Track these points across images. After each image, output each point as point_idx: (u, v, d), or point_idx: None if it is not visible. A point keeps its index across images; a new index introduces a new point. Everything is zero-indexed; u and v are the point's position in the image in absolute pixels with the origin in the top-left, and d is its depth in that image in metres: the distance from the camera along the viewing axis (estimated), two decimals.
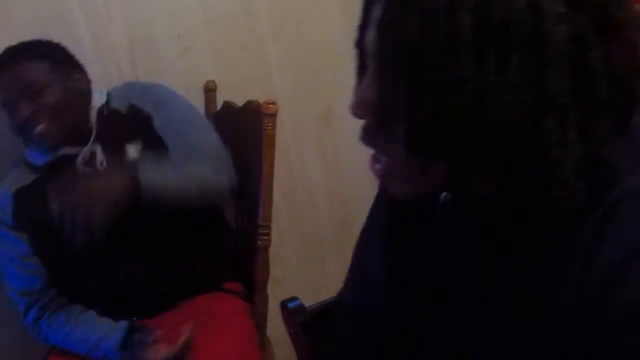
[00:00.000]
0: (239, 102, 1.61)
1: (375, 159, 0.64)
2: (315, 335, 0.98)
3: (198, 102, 1.73)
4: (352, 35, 0.63)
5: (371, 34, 0.57)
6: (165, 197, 1.28)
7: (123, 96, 1.46)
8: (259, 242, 1.47)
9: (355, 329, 0.83)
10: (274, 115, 1.40)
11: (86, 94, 1.43)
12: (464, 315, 0.68)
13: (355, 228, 2.36)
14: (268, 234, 1.47)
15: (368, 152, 0.66)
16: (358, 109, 0.60)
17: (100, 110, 1.43)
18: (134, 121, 1.43)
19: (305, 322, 0.97)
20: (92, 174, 1.36)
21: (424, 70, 0.53)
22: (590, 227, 0.55)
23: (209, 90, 1.73)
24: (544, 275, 0.59)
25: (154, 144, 1.40)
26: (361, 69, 0.62)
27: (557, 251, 0.57)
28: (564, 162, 0.53)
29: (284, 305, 1.00)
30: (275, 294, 1.59)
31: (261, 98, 1.48)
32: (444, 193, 0.69)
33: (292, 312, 0.98)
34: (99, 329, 1.35)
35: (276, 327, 1.73)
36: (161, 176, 1.29)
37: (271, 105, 1.39)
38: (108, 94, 1.47)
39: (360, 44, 0.61)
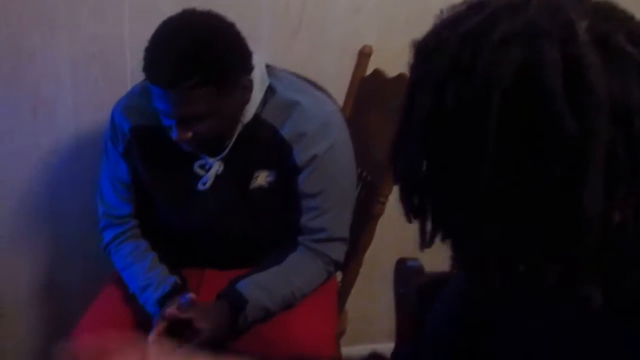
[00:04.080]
0: (390, 73, 1.60)
1: None
2: (425, 303, 0.95)
3: (349, 63, 1.74)
4: None
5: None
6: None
7: (283, 110, 1.30)
8: (374, 209, 1.45)
9: None
10: None
11: (245, 105, 1.28)
12: None
13: None
14: (384, 204, 1.46)
15: None
16: None
17: (248, 125, 1.30)
18: (280, 149, 1.30)
19: (422, 286, 0.95)
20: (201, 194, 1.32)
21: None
22: None
23: (364, 54, 1.73)
24: None
25: (287, 180, 1.32)
26: None
27: None
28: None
29: (402, 263, 0.98)
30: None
31: None
32: None
33: (410, 271, 0.96)
34: (149, 276, 1.34)
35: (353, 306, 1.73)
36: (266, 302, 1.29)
37: None
38: (270, 90, 1.31)
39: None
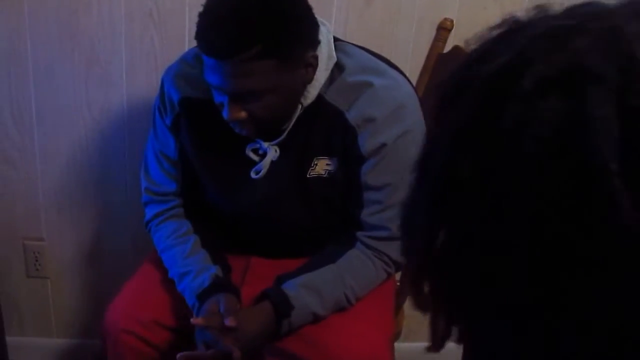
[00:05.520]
0: None
1: None
2: None
3: (427, 37, 1.57)
4: None
5: None
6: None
7: (352, 91, 1.15)
8: None
9: None
10: None
11: (307, 85, 1.14)
12: None
13: None
14: None
15: None
16: None
17: (309, 107, 1.16)
18: (343, 135, 1.16)
19: None
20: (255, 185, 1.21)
21: None
22: None
23: (444, 28, 1.55)
24: None
25: (349, 169, 1.18)
26: None
27: None
28: None
29: None
30: None
31: None
32: None
33: None
34: (188, 262, 1.24)
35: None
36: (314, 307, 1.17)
37: None
38: (338, 67, 1.16)
39: None
